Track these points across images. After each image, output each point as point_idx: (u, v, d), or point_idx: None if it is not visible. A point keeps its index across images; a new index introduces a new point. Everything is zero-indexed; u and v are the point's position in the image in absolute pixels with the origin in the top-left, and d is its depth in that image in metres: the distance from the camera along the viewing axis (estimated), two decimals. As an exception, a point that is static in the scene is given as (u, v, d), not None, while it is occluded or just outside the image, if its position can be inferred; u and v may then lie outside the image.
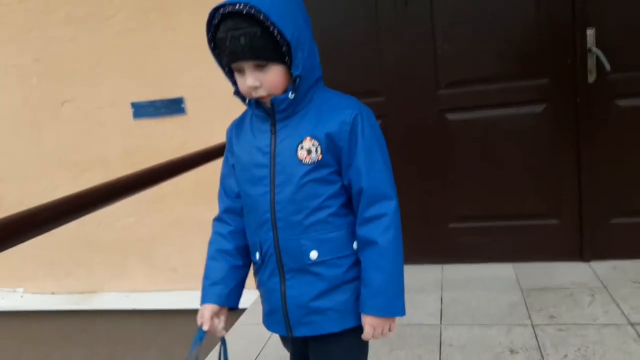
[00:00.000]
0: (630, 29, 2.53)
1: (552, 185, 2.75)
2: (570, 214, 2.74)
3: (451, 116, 2.82)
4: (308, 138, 1.18)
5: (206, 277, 1.31)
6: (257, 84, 1.15)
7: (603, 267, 2.66)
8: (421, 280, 2.78)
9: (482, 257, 2.90)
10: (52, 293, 3.64)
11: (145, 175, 1.64)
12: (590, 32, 2.53)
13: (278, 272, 1.24)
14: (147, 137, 3.17)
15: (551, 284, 2.56)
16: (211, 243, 1.34)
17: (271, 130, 1.22)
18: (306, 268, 1.21)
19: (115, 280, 3.48)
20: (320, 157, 1.17)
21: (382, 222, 1.18)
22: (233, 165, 1.32)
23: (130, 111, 3.16)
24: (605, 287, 2.46)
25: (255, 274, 1.33)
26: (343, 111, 1.19)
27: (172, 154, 2.08)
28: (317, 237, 1.20)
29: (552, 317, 2.26)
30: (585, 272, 2.64)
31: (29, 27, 3.19)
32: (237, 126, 1.33)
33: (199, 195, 3.15)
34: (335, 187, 1.21)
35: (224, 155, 1.36)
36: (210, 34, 1.18)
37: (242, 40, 1.10)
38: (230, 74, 1.22)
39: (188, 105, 3.07)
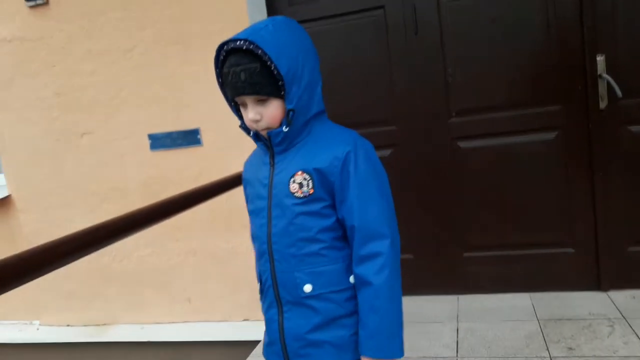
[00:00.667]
0: (640, 55, 2.54)
1: (566, 213, 2.73)
2: (586, 242, 2.71)
3: (463, 144, 2.84)
4: (300, 172, 1.20)
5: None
6: (258, 117, 1.19)
7: (621, 297, 2.61)
8: (436, 311, 2.75)
9: (497, 287, 2.86)
10: (68, 325, 3.65)
11: (163, 207, 1.67)
12: (600, 59, 2.55)
13: (276, 303, 1.26)
14: (164, 167, 3.22)
15: (569, 315, 2.52)
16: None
17: (270, 163, 1.26)
18: (301, 301, 1.23)
19: (131, 311, 3.49)
20: (312, 191, 1.19)
21: (377, 262, 1.17)
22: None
23: (147, 142, 3.22)
24: (624, 317, 2.42)
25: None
26: (337, 147, 1.20)
27: (189, 184, 2.11)
28: (311, 270, 1.21)
29: (570, 349, 2.22)
30: (604, 302, 2.59)
31: (52, 62, 3.29)
32: (251, 158, 1.39)
33: (214, 226, 3.17)
34: (329, 220, 1.21)
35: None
36: (217, 69, 1.23)
37: (243, 75, 1.15)
38: (236, 107, 1.27)
39: (204, 136, 3.12)
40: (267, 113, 1.19)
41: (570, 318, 2.49)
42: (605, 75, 2.54)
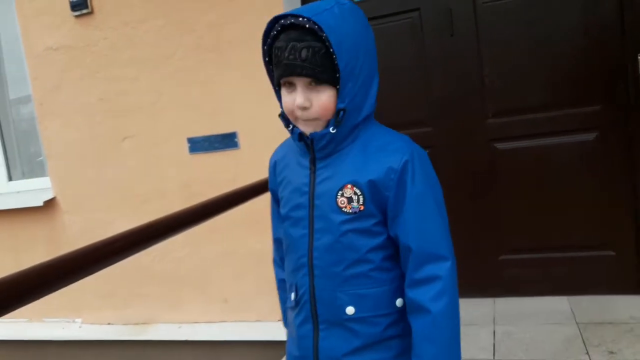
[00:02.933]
0: (684, 55, 2.48)
1: (607, 215, 2.67)
2: (628, 245, 2.65)
3: (500, 145, 2.81)
4: (349, 185, 1.06)
5: (281, 302, 1.40)
6: (307, 104, 1.05)
7: (665, 302, 2.55)
8: (473, 314, 2.74)
9: (535, 290, 2.83)
10: (109, 324, 3.76)
11: (206, 208, 1.73)
12: (641, 59, 2.50)
13: (312, 320, 1.14)
14: (202, 170, 3.29)
15: (609, 318, 2.47)
16: (275, 272, 1.41)
17: (310, 168, 1.12)
18: (341, 322, 1.11)
19: (169, 311, 3.57)
20: (362, 207, 1.06)
21: (434, 287, 1.04)
22: (274, 190, 1.27)
23: (186, 146, 3.31)
24: (668, 322, 2.36)
25: (289, 312, 1.25)
26: (392, 155, 1.06)
27: (226, 187, 2.16)
28: (355, 292, 1.09)
29: (611, 352, 2.18)
30: (646, 307, 2.54)
31: (96, 69, 3.41)
32: (284, 151, 1.25)
33: (250, 227, 3.22)
34: (380, 239, 1.09)
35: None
36: (266, 46, 1.09)
37: (304, 53, 1.00)
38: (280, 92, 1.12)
39: (241, 139, 3.18)
40: (318, 101, 1.04)
41: (611, 322, 2.44)
42: (646, 75, 2.49)
